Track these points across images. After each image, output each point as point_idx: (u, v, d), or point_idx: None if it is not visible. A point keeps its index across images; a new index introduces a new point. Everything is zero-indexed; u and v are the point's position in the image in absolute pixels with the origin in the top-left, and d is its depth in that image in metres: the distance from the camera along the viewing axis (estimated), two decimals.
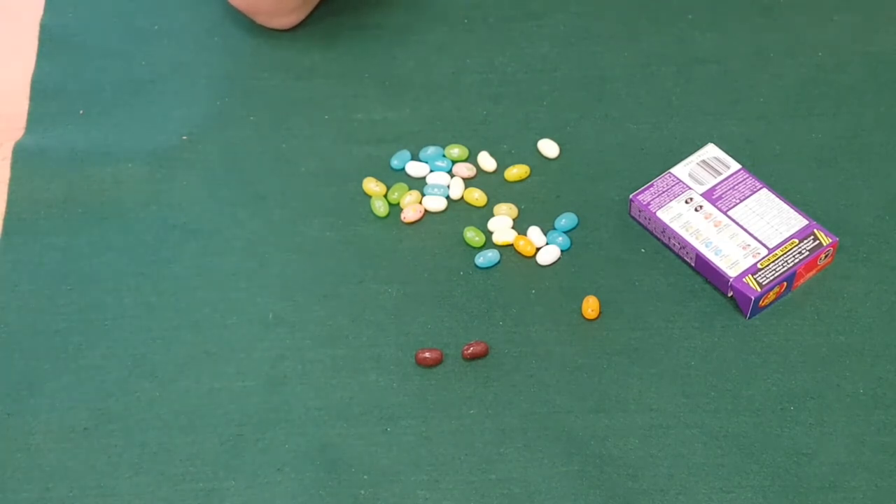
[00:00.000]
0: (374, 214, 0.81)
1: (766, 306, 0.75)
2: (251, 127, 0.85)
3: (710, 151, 0.80)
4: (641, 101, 0.86)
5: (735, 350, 0.74)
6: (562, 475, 0.69)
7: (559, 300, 0.76)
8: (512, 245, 0.79)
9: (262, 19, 0.89)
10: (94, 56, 0.90)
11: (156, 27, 0.92)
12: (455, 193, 0.82)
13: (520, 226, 0.80)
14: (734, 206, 0.78)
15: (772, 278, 0.74)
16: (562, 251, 0.79)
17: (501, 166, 0.83)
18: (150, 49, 0.90)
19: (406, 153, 0.84)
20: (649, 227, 0.79)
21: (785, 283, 0.74)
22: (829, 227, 0.79)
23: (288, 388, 0.73)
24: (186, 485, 0.69)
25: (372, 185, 0.82)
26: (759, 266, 0.74)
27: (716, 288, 0.76)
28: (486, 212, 0.81)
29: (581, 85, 0.87)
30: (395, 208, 0.81)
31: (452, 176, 0.83)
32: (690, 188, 0.79)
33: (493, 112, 0.86)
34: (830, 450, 0.70)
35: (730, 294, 0.75)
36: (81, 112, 0.86)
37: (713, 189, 0.78)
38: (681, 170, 0.80)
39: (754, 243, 0.75)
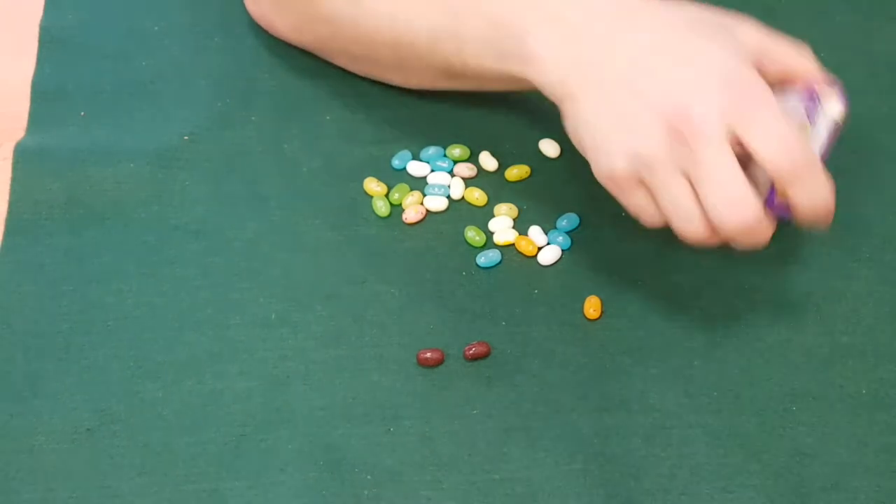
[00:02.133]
0: (376, 215, 0.81)
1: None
2: (253, 127, 0.85)
3: None
4: None
5: (737, 350, 0.74)
6: (565, 474, 0.69)
7: (561, 300, 0.76)
8: (513, 245, 0.79)
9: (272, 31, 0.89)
10: (95, 57, 0.90)
11: (156, 28, 0.91)
12: (456, 193, 0.82)
13: (521, 226, 0.80)
14: None
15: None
16: (563, 251, 0.79)
17: (502, 166, 0.83)
18: (150, 50, 0.90)
19: (407, 153, 0.84)
20: None
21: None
22: (832, 227, 0.79)
23: (291, 389, 0.73)
24: (190, 485, 0.69)
25: (373, 186, 0.82)
26: None
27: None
28: (487, 211, 0.81)
29: None
30: (397, 208, 0.81)
31: (453, 176, 0.83)
32: None
33: (494, 112, 0.86)
34: (833, 450, 0.70)
35: None
36: (83, 114, 0.86)
37: None
38: None
39: None
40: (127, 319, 0.76)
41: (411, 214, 0.80)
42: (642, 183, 0.66)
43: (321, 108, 0.86)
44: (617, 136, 0.66)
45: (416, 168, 0.83)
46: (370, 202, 0.81)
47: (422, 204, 0.81)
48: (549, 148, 0.84)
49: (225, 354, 0.74)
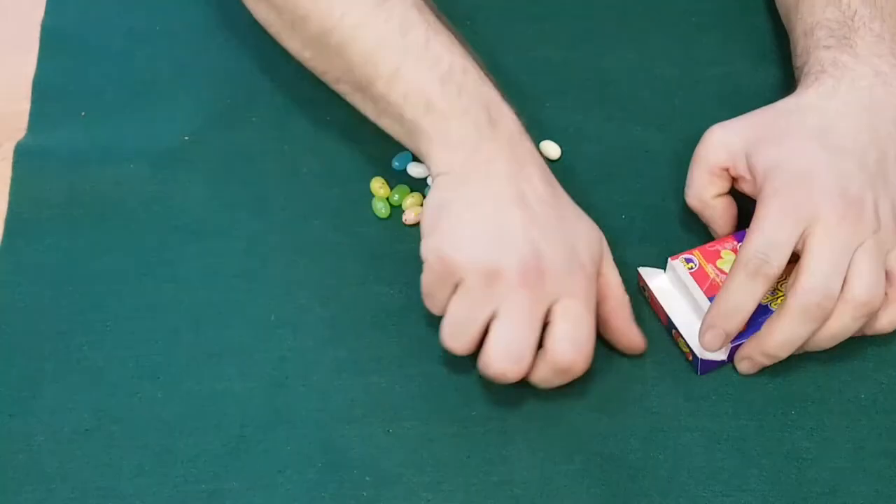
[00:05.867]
0: (376, 216, 0.81)
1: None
2: (253, 128, 0.85)
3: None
4: (645, 102, 0.86)
5: None
6: (563, 474, 0.69)
7: None
8: None
9: None
10: (95, 57, 0.90)
11: (157, 28, 0.91)
12: None
13: None
14: None
15: None
16: None
17: None
18: (151, 50, 0.90)
19: (407, 154, 0.83)
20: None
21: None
22: None
23: (290, 390, 0.73)
24: (188, 486, 0.69)
25: (378, 186, 0.82)
26: None
27: None
28: None
29: (584, 87, 0.87)
30: (397, 209, 0.81)
31: None
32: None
33: None
34: (831, 454, 0.70)
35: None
36: (83, 114, 0.86)
37: None
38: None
39: None
40: (126, 320, 0.76)
41: (411, 216, 0.80)
42: (454, 287, 0.69)
43: (321, 108, 0.86)
44: (477, 242, 0.69)
45: (415, 169, 0.83)
46: (370, 203, 0.81)
47: (421, 205, 0.81)
48: (550, 149, 0.84)
49: (224, 355, 0.74)
